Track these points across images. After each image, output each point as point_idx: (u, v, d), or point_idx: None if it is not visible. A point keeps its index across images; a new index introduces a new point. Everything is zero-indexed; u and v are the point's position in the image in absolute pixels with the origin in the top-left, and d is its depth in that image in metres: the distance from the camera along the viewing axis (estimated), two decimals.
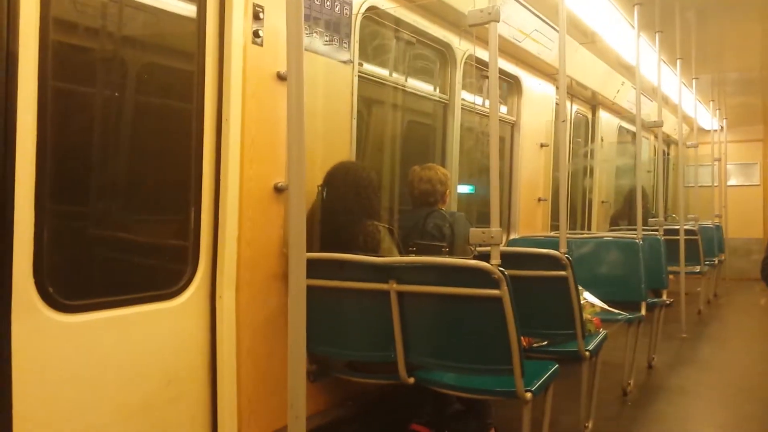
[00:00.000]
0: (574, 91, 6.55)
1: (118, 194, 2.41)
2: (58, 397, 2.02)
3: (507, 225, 5.34)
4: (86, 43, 2.25)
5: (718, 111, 9.24)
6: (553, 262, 3.09)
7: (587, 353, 3.10)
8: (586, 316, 3.29)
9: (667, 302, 5.00)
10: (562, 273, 3.06)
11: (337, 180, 2.98)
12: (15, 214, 1.89)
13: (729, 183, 10.57)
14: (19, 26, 1.89)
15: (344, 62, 3.17)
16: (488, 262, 2.37)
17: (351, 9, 3.18)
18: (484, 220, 2.81)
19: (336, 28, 3.08)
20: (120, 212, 2.42)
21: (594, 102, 7.14)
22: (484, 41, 2.70)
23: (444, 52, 4.23)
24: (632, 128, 7.48)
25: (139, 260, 2.46)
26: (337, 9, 3.08)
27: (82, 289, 2.19)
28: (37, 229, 1.95)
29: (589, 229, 7.20)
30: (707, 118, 9.39)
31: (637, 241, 4.38)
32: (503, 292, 2.33)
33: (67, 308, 2.05)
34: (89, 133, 2.28)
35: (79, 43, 2.22)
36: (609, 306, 3.87)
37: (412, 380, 2.64)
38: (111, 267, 2.35)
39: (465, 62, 4.28)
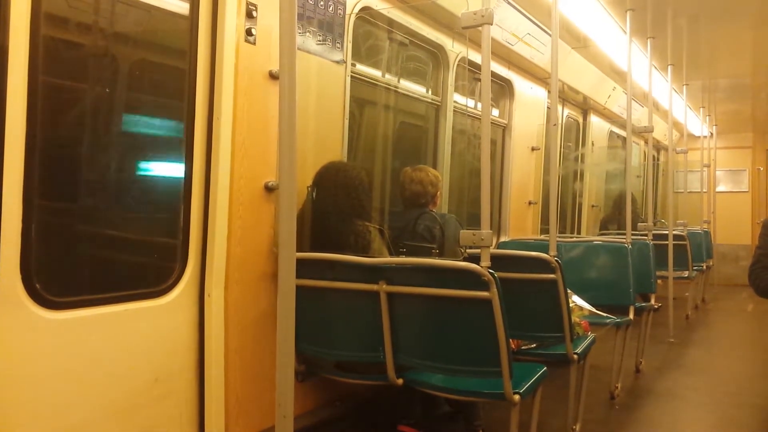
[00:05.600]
0: (566, 95, 6.58)
1: (107, 191, 2.39)
2: (43, 394, 2.00)
3: (497, 227, 5.35)
4: (77, 39, 2.23)
5: (708, 118, 9.30)
6: (543, 265, 3.10)
7: (575, 356, 3.11)
8: (575, 319, 3.30)
9: (656, 307, 5.03)
10: (552, 276, 3.07)
11: (328, 180, 2.98)
12: (2, 208, 1.88)
13: (718, 189, 10.65)
14: (9, 20, 1.88)
15: (337, 62, 3.17)
16: (478, 264, 2.37)
17: (344, 9, 3.17)
18: (474, 222, 2.81)
19: (329, 28, 3.08)
20: (109, 209, 2.40)
21: (585, 106, 7.18)
22: (477, 44, 2.70)
23: (437, 54, 4.24)
24: (623, 133, 7.53)
25: (128, 257, 2.44)
26: (330, 9, 3.08)
27: (70, 285, 2.18)
28: (24, 224, 1.93)
29: (579, 232, 7.23)
30: (697, 124, 9.46)
31: (626, 245, 4.40)
32: (493, 294, 2.33)
33: (54, 305, 2.03)
34: (79, 129, 2.26)
35: (70, 38, 2.20)
36: (597, 309, 3.89)
37: (400, 381, 2.64)
38: (99, 264, 2.34)
39: (457, 64, 4.29)
